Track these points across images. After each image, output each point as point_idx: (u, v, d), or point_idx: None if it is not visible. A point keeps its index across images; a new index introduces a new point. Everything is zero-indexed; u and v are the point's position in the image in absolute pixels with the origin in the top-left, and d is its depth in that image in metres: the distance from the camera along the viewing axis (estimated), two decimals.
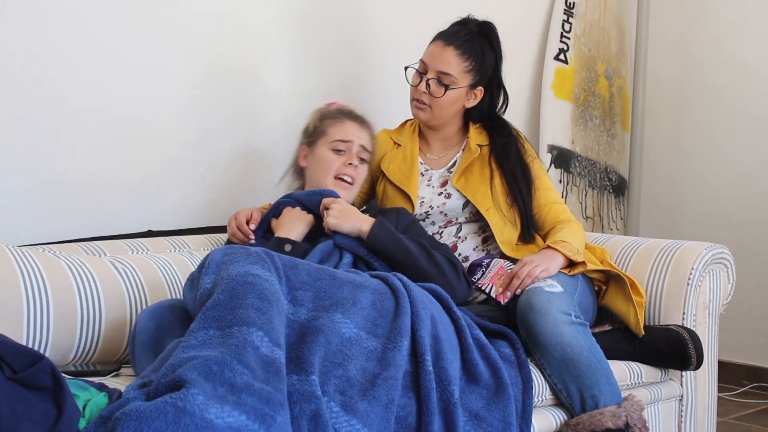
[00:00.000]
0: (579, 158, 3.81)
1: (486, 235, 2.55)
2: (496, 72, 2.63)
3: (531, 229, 2.55)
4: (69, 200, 2.46)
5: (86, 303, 2.07)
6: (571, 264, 2.39)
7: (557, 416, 2.17)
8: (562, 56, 3.76)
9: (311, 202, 2.39)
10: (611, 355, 2.32)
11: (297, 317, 1.79)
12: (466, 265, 2.49)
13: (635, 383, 2.39)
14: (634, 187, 4.13)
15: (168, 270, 2.31)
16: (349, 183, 2.45)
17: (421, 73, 2.57)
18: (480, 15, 2.64)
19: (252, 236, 2.42)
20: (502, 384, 1.97)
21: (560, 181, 3.72)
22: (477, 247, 2.56)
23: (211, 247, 2.53)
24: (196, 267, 1.89)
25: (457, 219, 2.58)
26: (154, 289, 2.23)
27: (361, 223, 2.28)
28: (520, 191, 2.54)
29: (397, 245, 2.25)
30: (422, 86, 2.56)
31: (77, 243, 2.34)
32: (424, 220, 2.60)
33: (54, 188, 2.43)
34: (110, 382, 1.86)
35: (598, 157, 3.91)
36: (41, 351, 1.96)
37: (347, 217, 2.30)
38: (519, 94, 3.69)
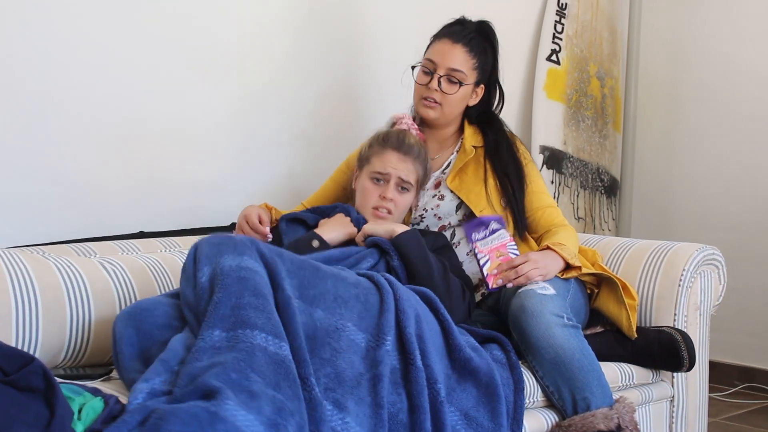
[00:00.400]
0: (571, 159, 3.82)
1: None
2: (494, 70, 2.66)
3: (523, 229, 2.55)
4: (61, 202, 2.45)
5: (75, 303, 2.07)
6: (566, 267, 2.39)
7: (549, 418, 2.18)
8: (554, 57, 3.77)
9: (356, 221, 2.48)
10: (603, 357, 2.33)
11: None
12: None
13: (627, 385, 2.40)
14: (626, 187, 4.14)
15: (158, 269, 2.31)
16: (386, 214, 2.46)
17: (430, 71, 2.58)
18: (474, 15, 2.65)
19: (270, 236, 2.46)
20: (494, 384, 1.98)
21: (552, 182, 3.73)
22: (471, 252, 2.55)
23: None
24: (186, 261, 1.90)
25: (450, 222, 2.58)
26: (144, 288, 2.23)
27: (396, 227, 2.34)
28: (512, 187, 2.55)
29: (420, 253, 2.28)
30: (434, 84, 2.56)
31: (68, 244, 2.34)
32: (419, 224, 2.60)
33: (47, 190, 2.43)
34: (103, 386, 1.86)
35: (590, 157, 3.92)
36: (31, 353, 1.95)
37: (382, 223, 2.38)
38: (511, 95, 3.67)
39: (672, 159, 4.10)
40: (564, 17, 3.80)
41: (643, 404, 2.45)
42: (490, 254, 2.35)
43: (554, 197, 3.70)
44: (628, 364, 2.43)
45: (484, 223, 2.39)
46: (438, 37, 2.61)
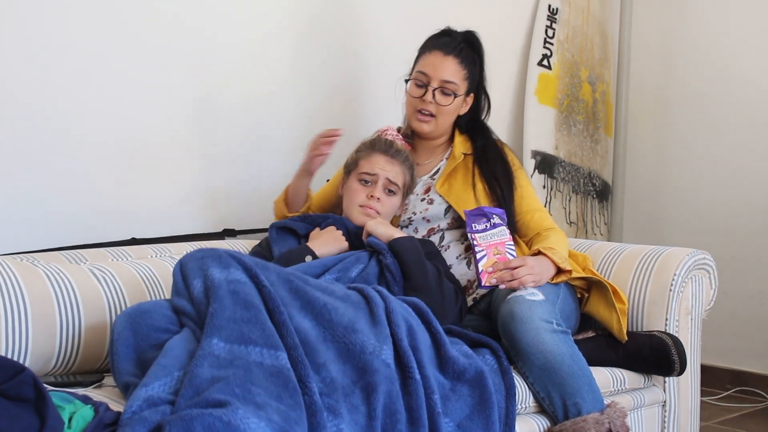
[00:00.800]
0: (563, 164, 3.82)
1: (469, 243, 2.55)
2: (481, 79, 2.68)
3: (513, 232, 2.55)
4: (52, 208, 2.45)
5: (65, 310, 2.06)
6: (557, 271, 2.40)
7: (541, 423, 2.18)
8: (545, 62, 3.77)
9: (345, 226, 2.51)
10: (595, 361, 2.33)
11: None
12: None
13: (618, 389, 2.40)
14: (618, 192, 4.15)
15: (148, 275, 2.31)
16: (374, 213, 2.48)
17: (424, 84, 2.59)
18: (465, 21, 2.66)
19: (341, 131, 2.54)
20: (487, 392, 1.98)
21: (544, 187, 3.73)
22: (460, 255, 2.56)
23: None
24: (174, 279, 1.93)
25: (439, 226, 2.59)
26: (134, 295, 2.22)
27: (395, 231, 2.38)
28: (501, 189, 2.56)
29: (416, 257, 2.31)
30: (428, 96, 2.57)
31: (59, 251, 2.33)
32: (407, 227, 2.61)
33: (38, 196, 2.42)
34: (94, 393, 1.86)
35: (581, 162, 3.93)
36: (21, 360, 1.95)
37: (386, 225, 2.41)
38: (502, 100, 3.70)
39: (663, 163, 4.11)
40: (555, 22, 3.81)
41: (634, 409, 2.45)
42: (487, 250, 2.34)
43: (546, 202, 3.71)
44: (620, 369, 2.43)
45: (486, 215, 2.37)
46: (428, 49, 2.62)
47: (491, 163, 2.60)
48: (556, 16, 3.81)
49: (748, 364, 3.83)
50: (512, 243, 2.38)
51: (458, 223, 2.57)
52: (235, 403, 1.55)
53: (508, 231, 2.38)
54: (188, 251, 2.49)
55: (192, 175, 2.77)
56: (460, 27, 2.66)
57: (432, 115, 2.59)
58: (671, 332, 2.51)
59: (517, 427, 2.05)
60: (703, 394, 2.81)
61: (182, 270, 1.93)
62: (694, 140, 4.02)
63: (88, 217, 2.53)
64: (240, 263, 1.90)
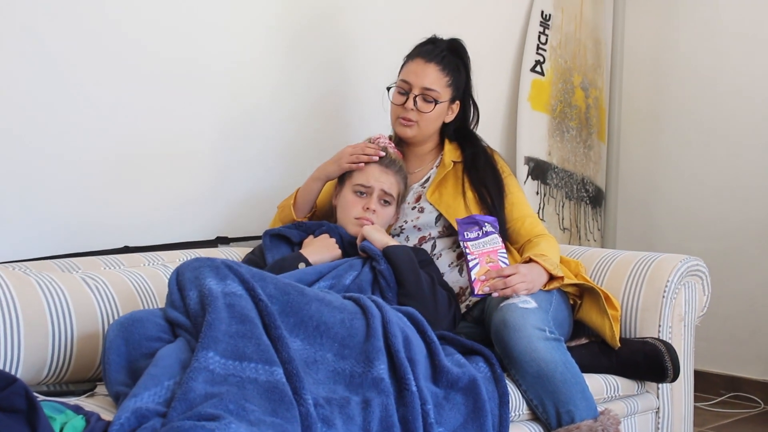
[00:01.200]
0: (556, 170, 3.83)
1: (460, 251, 2.56)
2: (468, 86, 2.68)
3: (504, 239, 2.56)
4: (44, 217, 2.44)
5: (57, 319, 2.06)
6: (549, 278, 2.40)
7: (534, 431, 2.18)
8: (538, 68, 3.78)
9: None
10: (588, 368, 2.33)
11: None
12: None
13: (612, 396, 2.40)
14: (611, 198, 4.15)
15: (140, 284, 2.30)
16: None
17: (406, 91, 2.59)
18: (457, 28, 2.67)
19: (383, 149, 2.52)
20: (480, 401, 1.99)
21: (537, 193, 3.74)
22: (452, 263, 2.56)
23: None
24: (169, 289, 1.93)
25: (430, 234, 2.59)
26: (126, 303, 2.22)
27: (390, 240, 2.41)
28: (491, 197, 2.56)
29: (410, 265, 2.33)
30: (409, 104, 2.58)
31: (51, 260, 2.33)
32: (398, 235, 2.61)
33: (30, 204, 2.42)
34: (86, 402, 1.85)
35: (574, 168, 3.93)
36: (13, 369, 1.95)
37: (381, 233, 2.42)
38: (495, 106, 3.70)
39: (657, 169, 4.12)
40: (548, 28, 3.81)
41: (628, 416, 2.45)
42: (480, 258, 2.35)
43: (539, 208, 3.71)
44: (614, 376, 2.43)
45: (478, 223, 2.38)
46: (411, 57, 2.64)
47: (481, 171, 2.61)
48: (548, 22, 3.82)
49: (742, 370, 3.84)
50: (505, 251, 2.38)
51: (449, 231, 2.57)
52: (228, 418, 1.55)
53: (500, 239, 2.39)
54: (181, 259, 2.50)
55: (184, 183, 2.76)
56: (451, 35, 2.67)
57: (414, 121, 2.60)
58: (664, 339, 2.51)
59: None
60: (696, 399, 2.80)
61: (178, 279, 1.93)
62: (688, 146, 4.02)
63: (80, 226, 2.52)
64: (237, 275, 1.90)
